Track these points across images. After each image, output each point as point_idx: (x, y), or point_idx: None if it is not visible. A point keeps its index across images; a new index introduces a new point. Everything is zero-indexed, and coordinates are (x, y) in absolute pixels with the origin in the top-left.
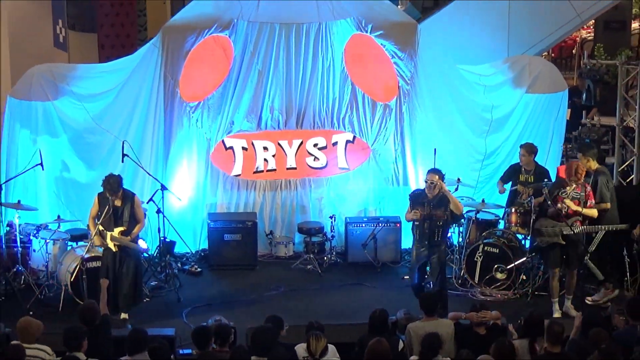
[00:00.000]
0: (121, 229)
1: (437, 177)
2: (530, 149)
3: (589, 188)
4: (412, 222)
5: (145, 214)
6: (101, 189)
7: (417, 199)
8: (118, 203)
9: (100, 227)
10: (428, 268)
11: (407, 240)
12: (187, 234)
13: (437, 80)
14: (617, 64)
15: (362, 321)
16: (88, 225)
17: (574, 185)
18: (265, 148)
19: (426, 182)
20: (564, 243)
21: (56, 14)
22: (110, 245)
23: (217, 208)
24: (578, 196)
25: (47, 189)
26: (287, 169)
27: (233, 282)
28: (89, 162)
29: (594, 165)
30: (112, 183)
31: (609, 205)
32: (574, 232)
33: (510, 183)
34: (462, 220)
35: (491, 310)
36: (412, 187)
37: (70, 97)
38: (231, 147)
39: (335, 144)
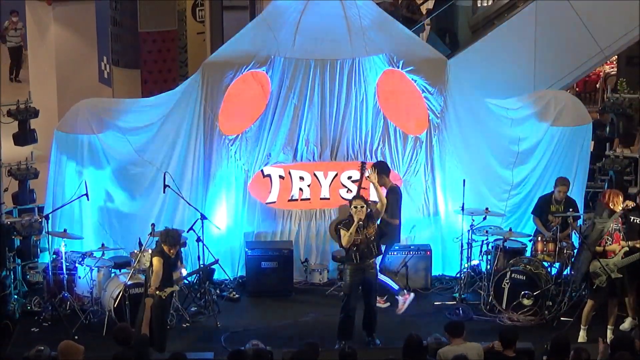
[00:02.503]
0: (177, 275)
1: (361, 202)
2: (568, 184)
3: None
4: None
5: (185, 243)
6: (145, 219)
7: (347, 226)
8: (172, 255)
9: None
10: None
11: (437, 267)
12: (226, 261)
13: (465, 113)
14: None
15: (394, 345)
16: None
17: (613, 218)
18: (301, 178)
19: (354, 208)
20: (621, 276)
21: (101, 50)
22: (172, 289)
23: (254, 237)
24: (618, 227)
25: (91, 218)
26: (321, 199)
27: (270, 308)
28: (131, 193)
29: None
30: (173, 236)
31: None
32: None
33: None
34: (486, 247)
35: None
36: (442, 216)
37: (115, 131)
38: (269, 175)
39: (368, 177)
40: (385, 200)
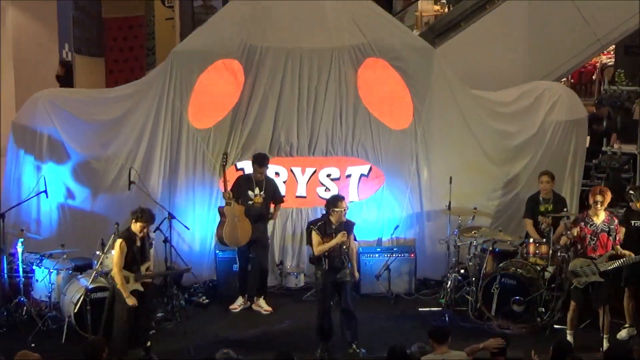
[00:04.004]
0: (148, 264)
1: (345, 202)
2: (552, 176)
3: (616, 221)
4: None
5: (151, 244)
6: (109, 218)
7: (322, 229)
8: (139, 243)
9: (125, 273)
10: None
11: (422, 271)
12: (195, 264)
13: (453, 106)
14: (639, 90)
15: (376, 355)
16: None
17: (603, 216)
18: (277, 173)
19: (338, 211)
20: (603, 280)
21: (62, 37)
22: (135, 286)
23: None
24: (607, 228)
25: (51, 217)
26: (297, 197)
27: (242, 314)
28: (94, 190)
29: None
30: (148, 212)
31: None
32: (599, 269)
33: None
34: (480, 251)
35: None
36: (428, 215)
37: (76, 123)
38: (242, 169)
39: (348, 176)
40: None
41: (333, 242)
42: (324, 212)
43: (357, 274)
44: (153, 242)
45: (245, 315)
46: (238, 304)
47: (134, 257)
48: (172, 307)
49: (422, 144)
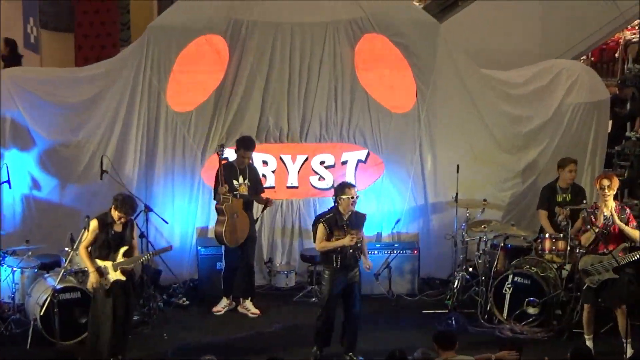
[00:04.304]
0: (125, 248)
1: (354, 189)
2: (576, 163)
3: (628, 210)
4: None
5: (144, 235)
6: (79, 211)
7: (332, 222)
8: (118, 228)
9: (98, 262)
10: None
11: (426, 269)
12: (174, 262)
13: (461, 87)
14: None
15: None
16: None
17: (613, 205)
18: (264, 162)
19: (349, 198)
20: (618, 277)
21: (27, 11)
22: (116, 276)
23: (209, 232)
24: (618, 219)
25: (14, 209)
26: (288, 187)
27: (226, 317)
28: (63, 180)
29: None
30: (130, 203)
31: None
32: (619, 262)
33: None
34: (490, 247)
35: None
36: (432, 208)
37: (43, 106)
38: (226, 159)
39: (344, 162)
40: None
41: (339, 243)
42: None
43: (369, 262)
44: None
45: (230, 318)
46: (222, 306)
47: (107, 243)
48: (149, 309)
49: (425, 129)
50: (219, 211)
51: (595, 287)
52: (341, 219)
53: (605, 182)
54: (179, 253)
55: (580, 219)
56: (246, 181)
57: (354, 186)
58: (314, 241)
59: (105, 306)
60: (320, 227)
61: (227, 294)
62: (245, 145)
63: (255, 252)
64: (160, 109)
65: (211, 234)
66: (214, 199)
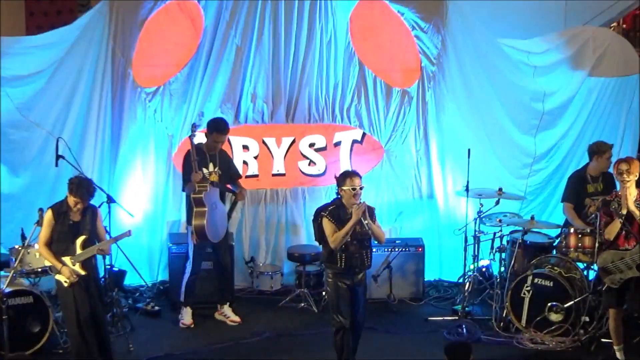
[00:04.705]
0: (83, 238)
1: (359, 178)
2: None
3: None
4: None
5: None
6: (31, 202)
7: (335, 215)
8: (76, 217)
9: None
10: None
11: (432, 270)
12: (141, 262)
13: (472, 59)
14: None
15: None
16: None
17: (635, 193)
18: (245, 147)
19: (351, 189)
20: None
21: None
22: (77, 269)
23: (181, 227)
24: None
25: None
26: (274, 175)
27: (201, 325)
28: (12, 166)
29: None
30: (86, 186)
31: None
32: None
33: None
34: (499, 242)
35: None
36: (440, 199)
37: None
38: (200, 144)
39: (337, 144)
40: None
41: (351, 222)
42: (322, 194)
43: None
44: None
45: (206, 326)
46: (189, 318)
47: (64, 235)
48: (112, 316)
49: (431, 107)
50: (197, 202)
51: (617, 288)
52: (345, 213)
53: (624, 167)
54: (148, 251)
55: (591, 206)
56: (217, 169)
57: (358, 175)
58: (316, 239)
59: (68, 306)
60: (326, 222)
61: (189, 302)
62: (218, 128)
63: (228, 250)
64: (125, 84)
65: (184, 229)
66: (184, 189)
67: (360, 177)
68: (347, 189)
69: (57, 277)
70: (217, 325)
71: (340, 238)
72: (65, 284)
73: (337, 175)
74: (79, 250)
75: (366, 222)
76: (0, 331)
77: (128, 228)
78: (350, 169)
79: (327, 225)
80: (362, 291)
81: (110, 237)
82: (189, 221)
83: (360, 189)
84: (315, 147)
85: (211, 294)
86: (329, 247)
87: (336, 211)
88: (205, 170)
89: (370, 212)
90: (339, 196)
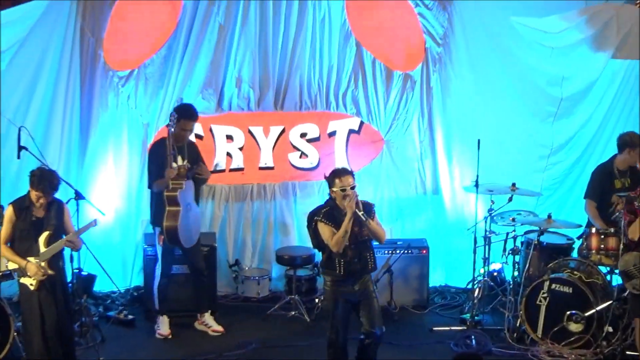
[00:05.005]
0: (46, 234)
1: (351, 177)
2: None
3: None
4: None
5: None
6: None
7: (329, 218)
8: (40, 213)
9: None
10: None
11: (437, 274)
12: (113, 265)
13: (482, 40)
14: None
15: None
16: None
17: None
18: (229, 137)
19: (341, 190)
20: None
21: None
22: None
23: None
24: None
25: None
26: (261, 168)
27: (180, 335)
28: None
29: None
30: (49, 179)
31: None
32: None
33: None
34: (512, 243)
35: None
36: (446, 196)
37: None
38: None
39: (332, 134)
40: None
41: (347, 217)
42: (315, 189)
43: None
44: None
45: (186, 337)
46: (167, 328)
47: (26, 232)
48: (80, 325)
49: (437, 92)
50: (170, 200)
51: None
52: (340, 214)
53: None
54: (120, 253)
55: (619, 203)
56: (185, 162)
57: (349, 173)
58: (313, 246)
59: (32, 312)
60: (322, 226)
61: (165, 309)
62: (187, 113)
63: (200, 253)
64: (95, 67)
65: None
66: (151, 186)
67: (352, 174)
68: (337, 190)
69: (22, 280)
70: (197, 335)
71: (340, 238)
72: (32, 287)
73: (327, 175)
74: (43, 248)
75: (361, 212)
76: None
77: (98, 226)
78: (339, 167)
79: (323, 229)
80: (370, 297)
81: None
82: (156, 221)
83: (352, 188)
84: (308, 137)
85: (191, 301)
86: (327, 252)
87: (330, 212)
88: (173, 165)
89: (368, 209)
90: (332, 197)
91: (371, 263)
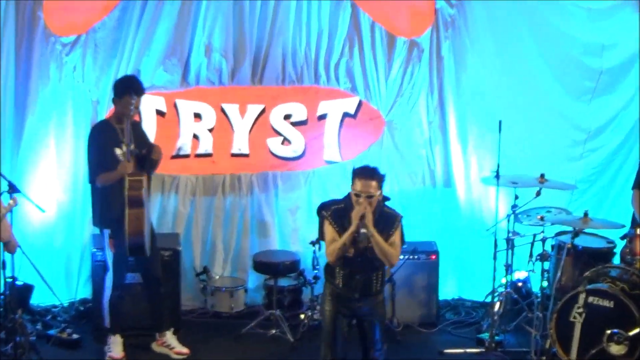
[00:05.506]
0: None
1: (375, 184)
2: None
3: None
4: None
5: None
6: None
7: (339, 217)
8: None
9: None
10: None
11: (449, 284)
12: (55, 273)
13: (503, 1)
14: None
15: None
16: None
17: None
18: (197, 115)
19: (355, 195)
20: None
21: None
22: None
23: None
24: None
25: None
26: (234, 155)
27: (136, 359)
28: None
29: None
30: None
31: None
32: None
33: None
34: (541, 247)
35: None
36: (460, 189)
37: None
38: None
39: (322, 117)
40: None
41: (349, 231)
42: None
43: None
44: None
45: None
46: (118, 350)
47: None
48: (14, 346)
49: (449, 64)
50: (133, 201)
51: None
52: (351, 217)
53: None
54: (63, 258)
55: None
56: (132, 146)
57: (375, 177)
58: (321, 238)
59: None
60: (327, 225)
61: (118, 327)
62: (136, 87)
63: (158, 256)
64: (33, 32)
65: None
66: (93, 180)
67: (380, 180)
68: (352, 192)
69: None
70: (157, 358)
71: (336, 251)
72: None
73: (353, 169)
74: None
75: (363, 230)
76: None
77: (36, 225)
78: (368, 167)
79: (327, 229)
80: (377, 321)
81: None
82: (103, 223)
83: (368, 197)
84: (293, 119)
85: (149, 318)
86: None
87: (342, 212)
88: (118, 151)
89: (388, 221)
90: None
91: (376, 286)
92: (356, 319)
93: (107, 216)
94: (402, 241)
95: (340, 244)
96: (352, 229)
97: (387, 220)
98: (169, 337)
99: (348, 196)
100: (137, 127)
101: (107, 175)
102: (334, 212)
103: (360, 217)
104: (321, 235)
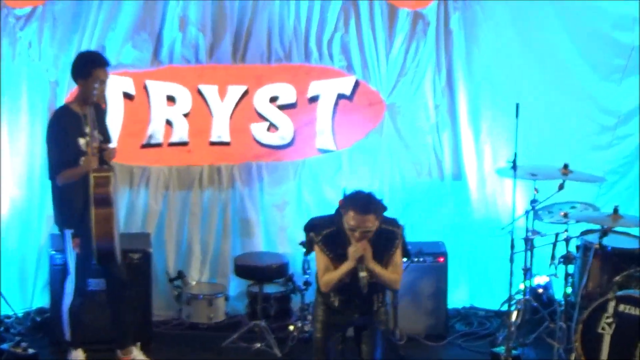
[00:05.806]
0: None
1: (373, 217)
2: None
3: None
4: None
5: None
6: None
7: (331, 242)
8: None
9: None
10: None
11: (458, 292)
12: (8, 279)
13: None
14: None
15: None
16: None
17: None
18: (170, 98)
19: (350, 230)
20: None
21: None
22: None
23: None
24: None
25: None
26: (213, 143)
27: None
28: None
29: None
30: None
31: None
32: None
33: None
34: (565, 247)
35: None
36: (472, 182)
37: None
38: (130, 96)
39: (314, 99)
40: None
41: (345, 267)
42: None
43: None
44: None
45: None
46: None
47: None
48: None
49: (459, 38)
50: (100, 200)
51: None
52: (344, 242)
53: None
54: (17, 262)
55: None
56: (95, 132)
57: (372, 211)
58: (305, 255)
59: None
60: (317, 252)
61: (79, 340)
62: (97, 60)
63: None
64: None
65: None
66: (53, 177)
67: (378, 214)
68: (345, 223)
69: None
70: None
71: (332, 284)
72: None
73: (346, 194)
74: None
75: (363, 274)
76: None
77: None
78: (363, 193)
79: (318, 256)
80: (378, 334)
81: None
82: (65, 222)
83: (365, 233)
84: (280, 102)
85: (115, 329)
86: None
87: (334, 237)
88: (82, 142)
89: (390, 238)
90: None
91: (377, 304)
92: (353, 328)
93: (70, 215)
94: (406, 253)
95: (336, 279)
96: (349, 266)
97: (386, 239)
98: (135, 352)
99: (339, 215)
100: (100, 115)
101: (70, 172)
102: (325, 238)
103: (360, 259)
104: (309, 251)
